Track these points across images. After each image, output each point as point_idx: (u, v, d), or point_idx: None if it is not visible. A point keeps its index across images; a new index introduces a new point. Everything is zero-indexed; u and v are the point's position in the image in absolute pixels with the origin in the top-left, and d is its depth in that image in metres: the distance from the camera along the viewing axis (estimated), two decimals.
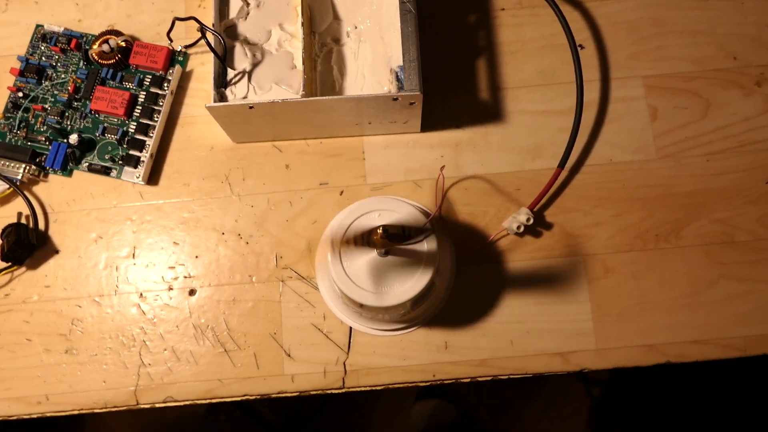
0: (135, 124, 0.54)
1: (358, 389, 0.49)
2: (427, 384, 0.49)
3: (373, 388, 0.49)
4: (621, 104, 0.54)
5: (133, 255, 0.52)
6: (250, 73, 0.51)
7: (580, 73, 0.52)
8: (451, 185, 0.52)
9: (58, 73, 0.56)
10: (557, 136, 0.53)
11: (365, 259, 0.44)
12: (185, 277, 0.52)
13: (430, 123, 0.53)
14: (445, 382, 0.49)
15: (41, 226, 0.53)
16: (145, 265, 0.52)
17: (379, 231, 0.40)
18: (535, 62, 0.55)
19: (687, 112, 0.53)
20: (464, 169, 0.52)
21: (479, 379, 0.49)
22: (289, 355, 0.49)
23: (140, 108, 0.55)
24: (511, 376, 0.49)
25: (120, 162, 0.53)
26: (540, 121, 0.53)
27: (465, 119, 0.53)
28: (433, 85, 0.54)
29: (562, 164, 0.51)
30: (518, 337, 0.49)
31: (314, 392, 0.49)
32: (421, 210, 0.50)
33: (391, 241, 0.41)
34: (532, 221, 0.49)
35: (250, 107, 0.47)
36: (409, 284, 0.43)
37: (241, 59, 0.51)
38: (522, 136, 0.53)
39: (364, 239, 0.43)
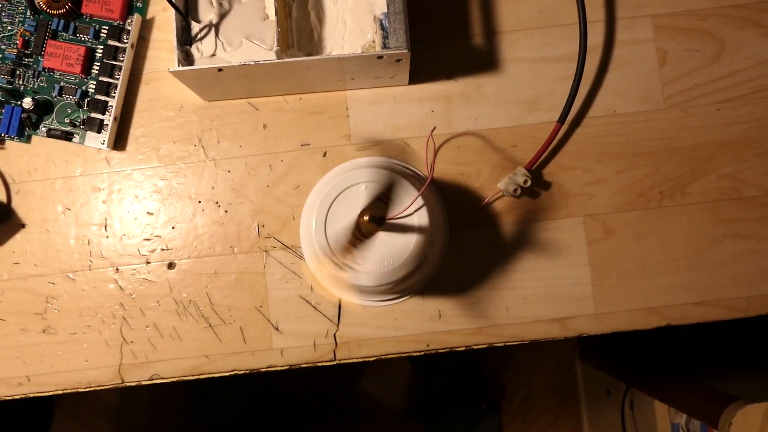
0: (94, 82, 0.50)
1: (350, 361, 0.49)
2: (421, 354, 0.49)
3: (366, 360, 0.48)
4: (627, 48, 0.50)
5: (105, 227, 0.50)
6: (217, 26, 0.46)
7: (584, 13, 0.48)
8: (442, 143, 0.50)
9: (4, 25, 0.50)
10: (557, 85, 0.50)
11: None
12: (162, 249, 0.49)
13: (418, 73, 0.50)
14: (440, 351, 0.49)
15: (2, 197, 0.50)
16: (119, 238, 0.49)
17: (365, 218, 0.38)
18: (535, 0, 0.50)
19: (698, 56, 0.49)
20: (456, 125, 0.50)
21: (474, 347, 0.48)
22: (276, 329, 0.49)
23: (99, 64, 0.50)
24: (507, 344, 0.49)
25: (82, 126, 0.49)
26: (538, 70, 0.50)
27: (457, 68, 0.50)
28: (421, 30, 0.50)
29: (562, 119, 0.48)
30: (514, 304, 0.49)
31: (305, 365, 0.49)
32: (412, 174, 0.48)
33: (378, 225, 0.40)
34: (529, 183, 0.47)
35: (219, 70, 0.42)
36: (400, 262, 0.43)
37: (206, 10, 0.46)
38: (519, 86, 0.50)
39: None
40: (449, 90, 0.50)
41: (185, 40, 0.45)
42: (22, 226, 0.50)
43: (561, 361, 1.20)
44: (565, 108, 0.48)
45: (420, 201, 0.42)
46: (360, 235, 0.42)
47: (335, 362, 0.49)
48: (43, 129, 0.50)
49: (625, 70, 0.50)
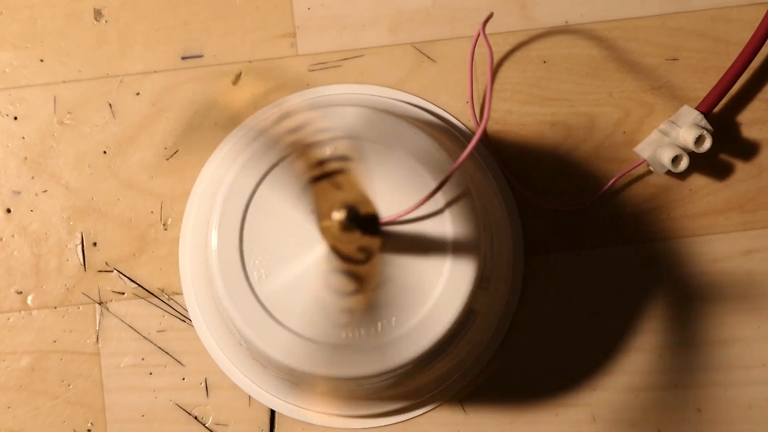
0: None
1: None
2: None
3: None
4: None
5: None
6: None
7: None
8: (507, 53, 0.48)
9: None
10: None
11: (305, 263, 0.41)
12: None
13: None
14: None
15: None
16: None
17: (337, 218, 0.35)
18: None
19: None
20: (539, 15, 0.48)
21: None
22: None
23: None
24: None
25: None
26: None
27: None
28: None
29: None
30: (696, 425, 0.47)
31: None
32: (437, 125, 0.48)
33: (364, 234, 0.38)
34: (708, 145, 0.44)
35: None
36: (414, 323, 0.40)
37: None
38: None
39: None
40: None
41: None
42: None
43: None
44: None
45: (457, 185, 0.41)
46: None
47: None
48: None
49: None
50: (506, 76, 0.48)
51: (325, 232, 0.39)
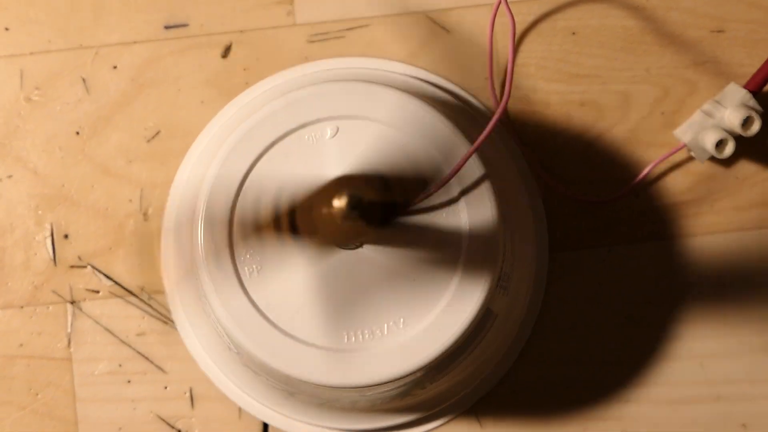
0: None
1: None
2: None
3: None
4: None
5: None
6: None
7: None
8: (532, 24, 0.47)
9: None
10: None
11: (304, 257, 0.39)
12: None
13: None
14: None
15: None
16: None
17: (340, 202, 0.35)
18: None
19: None
20: None
21: None
22: None
23: None
24: None
25: None
26: None
27: None
28: None
29: None
30: None
31: None
32: (452, 103, 0.47)
33: (368, 224, 0.36)
34: (757, 126, 0.43)
35: None
36: (422, 325, 0.39)
37: None
38: None
39: (296, 216, 0.39)
40: None
41: None
42: None
43: None
44: None
45: (473, 172, 0.40)
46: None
47: None
48: None
49: None
50: (530, 49, 0.47)
51: (322, 221, 0.37)
